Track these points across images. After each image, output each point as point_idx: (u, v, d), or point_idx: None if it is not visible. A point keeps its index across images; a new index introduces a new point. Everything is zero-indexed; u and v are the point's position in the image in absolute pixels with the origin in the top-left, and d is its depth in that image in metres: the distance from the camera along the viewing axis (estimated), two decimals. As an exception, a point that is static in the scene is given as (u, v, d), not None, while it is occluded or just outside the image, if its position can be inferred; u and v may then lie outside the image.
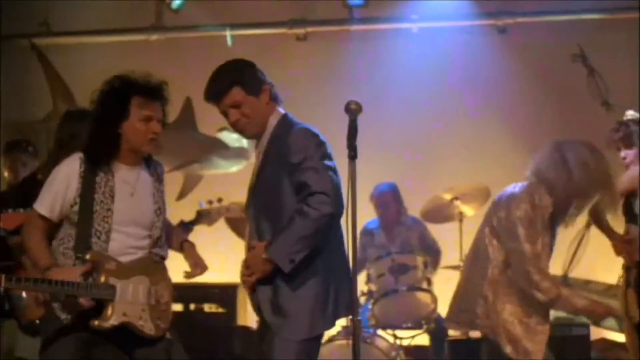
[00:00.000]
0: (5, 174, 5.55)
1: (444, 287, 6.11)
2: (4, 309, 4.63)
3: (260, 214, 3.47)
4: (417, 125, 7.27)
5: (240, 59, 3.58)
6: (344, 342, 5.33)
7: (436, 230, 6.54)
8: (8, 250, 3.93)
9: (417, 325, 5.78)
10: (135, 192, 3.48)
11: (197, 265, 3.66)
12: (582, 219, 4.67)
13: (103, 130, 3.43)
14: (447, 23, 7.47)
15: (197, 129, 7.57)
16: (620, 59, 7.03)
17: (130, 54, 7.66)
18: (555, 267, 4.84)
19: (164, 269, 3.61)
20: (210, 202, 4.29)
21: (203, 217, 4.25)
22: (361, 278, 5.84)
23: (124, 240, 3.43)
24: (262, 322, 3.51)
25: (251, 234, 3.52)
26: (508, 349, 3.92)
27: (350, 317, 3.36)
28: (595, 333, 6.26)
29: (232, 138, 7.34)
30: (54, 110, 7.35)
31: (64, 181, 3.42)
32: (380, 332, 5.75)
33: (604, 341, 6.31)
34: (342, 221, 3.32)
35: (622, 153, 4.87)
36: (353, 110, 3.18)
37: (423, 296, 5.80)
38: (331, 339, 5.43)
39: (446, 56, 7.35)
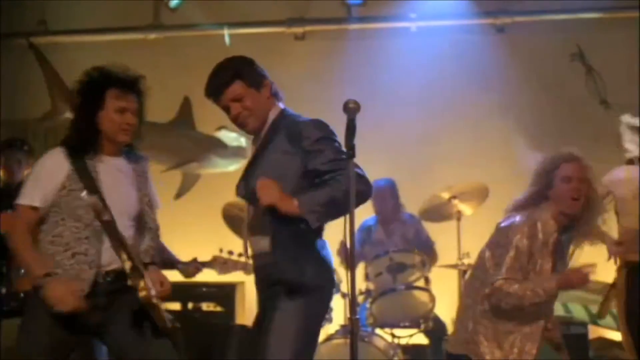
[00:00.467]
0: (1, 172, 5.54)
1: (442, 286, 6.13)
2: (3, 309, 4.66)
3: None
4: (415, 124, 7.27)
5: (240, 55, 3.60)
6: (342, 341, 5.32)
7: (434, 229, 6.53)
8: (7, 251, 3.92)
9: (415, 324, 5.77)
10: (118, 182, 3.55)
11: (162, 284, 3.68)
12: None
13: (81, 120, 3.54)
14: (445, 22, 7.47)
15: (195, 127, 7.57)
16: (619, 57, 7.04)
17: (128, 52, 7.65)
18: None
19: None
20: (230, 253, 4.07)
21: (217, 263, 4.05)
22: (358, 275, 5.84)
23: None
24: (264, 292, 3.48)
25: (249, 222, 3.50)
26: None
27: (349, 316, 3.35)
28: (594, 332, 6.29)
29: (230, 137, 7.35)
30: (52, 109, 7.35)
31: (50, 169, 3.49)
32: (378, 331, 5.75)
33: (602, 340, 6.33)
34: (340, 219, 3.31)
35: None
36: (351, 109, 3.17)
37: (421, 295, 5.80)
38: (329, 338, 5.44)
39: (444, 55, 7.35)
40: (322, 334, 4.80)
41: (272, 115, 3.52)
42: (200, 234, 7.03)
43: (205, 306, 6.67)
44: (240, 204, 5.10)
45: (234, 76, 3.46)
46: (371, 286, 5.91)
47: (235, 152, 7.38)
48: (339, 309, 5.72)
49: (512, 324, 3.90)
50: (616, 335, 5.66)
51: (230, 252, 4.03)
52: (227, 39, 7.45)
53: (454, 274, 6.05)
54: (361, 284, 5.91)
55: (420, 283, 5.87)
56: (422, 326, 5.79)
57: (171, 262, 3.92)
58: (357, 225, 3.28)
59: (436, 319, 5.87)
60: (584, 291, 6.00)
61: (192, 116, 7.54)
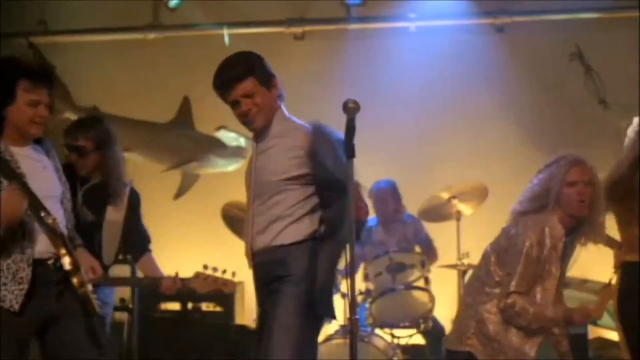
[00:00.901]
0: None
1: (442, 286, 6.13)
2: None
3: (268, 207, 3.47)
4: (415, 123, 7.27)
5: (251, 51, 3.58)
6: (341, 341, 5.33)
7: (434, 229, 6.53)
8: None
9: (414, 325, 5.77)
10: (35, 167, 3.43)
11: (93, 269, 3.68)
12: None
13: None
14: (444, 22, 7.47)
15: (194, 127, 7.58)
16: (618, 57, 7.04)
17: (127, 52, 7.66)
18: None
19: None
20: (215, 270, 3.91)
21: (198, 280, 3.90)
22: (358, 275, 5.84)
23: None
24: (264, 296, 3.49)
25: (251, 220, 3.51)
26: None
27: (348, 316, 3.36)
28: (593, 332, 6.29)
29: (229, 137, 7.35)
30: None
31: None
32: (377, 331, 5.74)
33: (602, 340, 6.33)
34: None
35: None
36: (351, 109, 3.17)
37: (421, 295, 5.80)
38: (329, 338, 5.44)
39: (444, 55, 7.35)
40: (322, 334, 4.80)
41: (277, 115, 3.53)
42: (200, 234, 7.04)
43: (205, 306, 6.66)
44: (239, 203, 5.11)
45: (248, 72, 3.45)
46: (371, 286, 5.90)
47: (234, 152, 7.38)
48: (338, 309, 5.68)
49: (516, 329, 3.93)
50: (615, 335, 5.66)
51: (215, 269, 3.89)
52: (226, 39, 7.44)
53: (453, 274, 6.04)
54: (361, 284, 5.91)
55: (420, 283, 5.87)
56: (422, 326, 5.79)
57: (153, 283, 3.95)
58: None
59: (435, 319, 5.87)
60: (582, 291, 6.00)
61: (192, 116, 7.55)
